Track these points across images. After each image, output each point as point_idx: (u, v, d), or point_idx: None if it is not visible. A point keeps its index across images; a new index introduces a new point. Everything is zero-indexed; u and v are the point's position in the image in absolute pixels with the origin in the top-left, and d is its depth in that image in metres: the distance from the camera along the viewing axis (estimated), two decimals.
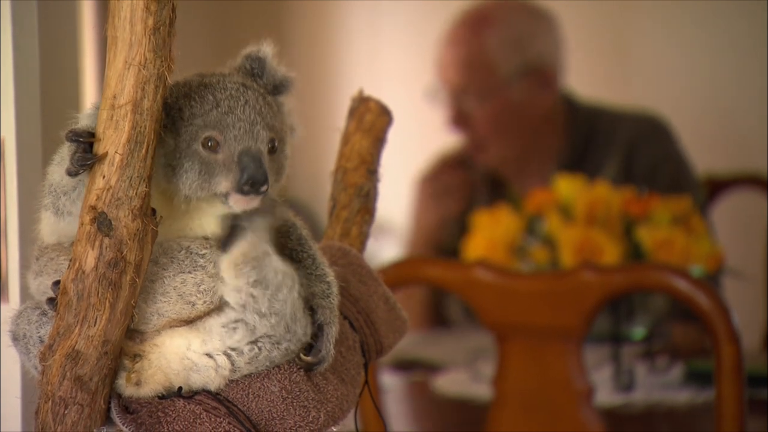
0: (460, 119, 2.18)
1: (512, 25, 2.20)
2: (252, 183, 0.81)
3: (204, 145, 0.81)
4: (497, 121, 2.19)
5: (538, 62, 2.21)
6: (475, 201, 2.30)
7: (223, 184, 0.81)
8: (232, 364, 0.82)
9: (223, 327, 0.82)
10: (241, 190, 0.81)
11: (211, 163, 0.81)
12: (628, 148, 2.19)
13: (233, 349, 0.82)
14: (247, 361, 0.82)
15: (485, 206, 2.21)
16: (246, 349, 0.82)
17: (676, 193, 1.93)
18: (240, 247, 0.82)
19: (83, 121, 0.82)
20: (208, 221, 0.83)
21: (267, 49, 0.87)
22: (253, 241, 0.82)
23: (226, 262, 0.82)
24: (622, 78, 3.05)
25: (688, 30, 3.07)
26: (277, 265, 0.83)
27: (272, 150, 0.83)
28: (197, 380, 0.82)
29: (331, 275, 0.87)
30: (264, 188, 0.81)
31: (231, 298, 0.82)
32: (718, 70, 3.06)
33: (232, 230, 0.83)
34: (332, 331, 0.86)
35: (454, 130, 2.21)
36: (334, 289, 0.87)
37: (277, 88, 0.87)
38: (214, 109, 0.82)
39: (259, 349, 0.83)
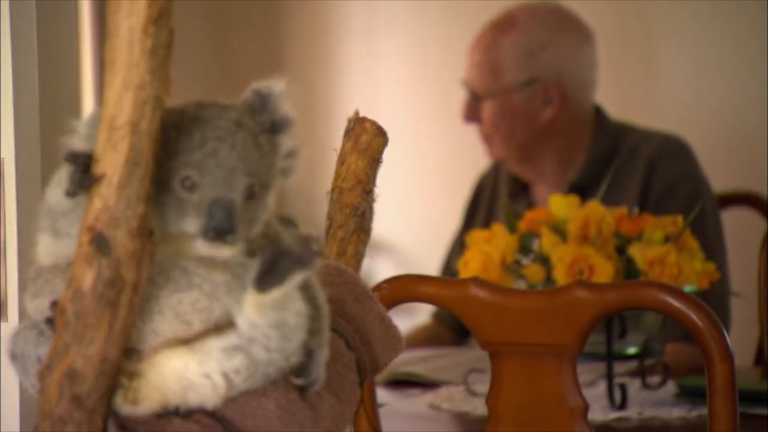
0: (471, 112, 2.24)
1: (530, 35, 2.22)
2: (216, 233, 0.81)
3: (182, 183, 0.82)
4: (497, 122, 2.23)
5: (546, 75, 2.22)
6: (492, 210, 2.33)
7: (192, 226, 0.82)
8: (230, 384, 0.83)
9: (223, 351, 0.82)
10: (206, 237, 0.81)
11: (185, 202, 0.82)
12: (649, 165, 2.21)
13: (231, 371, 0.83)
14: (243, 380, 0.83)
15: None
16: (244, 370, 0.83)
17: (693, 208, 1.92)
18: (277, 293, 0.81)
19: (81, 143, 0.83)
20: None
21: (275, 85, 0.87)
22: (291, 289, 0.82)
23: (255, 300, 0.82)
24: (640, 97, 3.06)
25: (707, 52, 3.08)
26: (299, 307, 0.83)
27: (251, 196, 0.83)
28: (194, 399, 0.83)
29: (321, 298, 0.87)
30: (229, 238, 0.81)
31: (243, 328, 0.82)
32: (719, 90, 3.07)
33: (268, 259, 0.82)
34: (322, 355, 0.87)
35: (467, 121, 2.26)
36: (324, 311, 0.87)
37: (276, 126, 0.86)
38: (199, 149, 0.82)
39: (256, 369, 0.83)
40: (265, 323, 0.82)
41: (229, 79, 3.52)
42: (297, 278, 0.82)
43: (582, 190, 2.14)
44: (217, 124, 0.83)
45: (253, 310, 0.82)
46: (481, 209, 2.38)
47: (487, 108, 2.23)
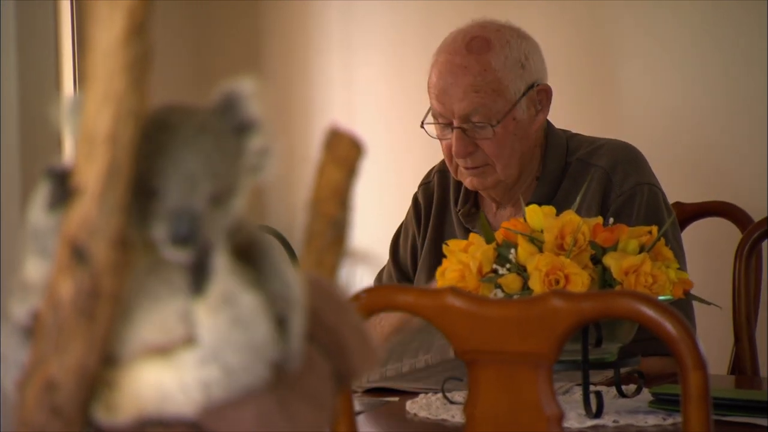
0: (468, 146, 2.19)
1: (513, 47, 2.22)
2: (178, 241, 0.81)
3: (147, 192, 0.82)
4: (503, 144, 2.20)
5: (537, 81, 2.24)
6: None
7: (158, 233, 0.82)
8: (207, 395, 0.83)
9: (198, 362, 0.83)
10: (168, 245, 0.82)
11: (152, 210, 0.82)
12: (605, 177, 2.21)
13: (207, 382, 0.83)
14: (222, 389, 0.83)
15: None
16: (220, 380, 0.83)
17: (653, 220, 1.94)
18: (215, 290, 0.82)
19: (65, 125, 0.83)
20: None
21: (243, 85, 0.87)
22: (226, 281, 0.82)
23: (200, 307, 0.82)
24: (590, 106, 3.08)
25: (663, 60, 3.10)
26: (247, 297, 0.83)
27: (218, 200, 0.83)
28: (171, 409, 0.83)
29: (290, 273, 0.87)
30: (192, 246, 0.81)
31: (206, 338, 0.83)
32: (688, 100, 3.10)
33: (195, 264, 0.82)
34: (297, 324, 0.86)
35: (463, 157, 2.20)
36: (291, 279, 0.87)
37: (244, 127, 0.86)
38: (163, 156, 0.82)
39: (232, 376, 0.83)
40: (221, 325, 0.82)
41: (206, 88, 3.53)
42: (217, 263, 0.82)
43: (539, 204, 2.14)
44: (182, 130, 0.83)
45: (204, 317, 0.82)
46: (431, 214, 2.37)
47: (489, 133, 2.19)
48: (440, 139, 2.25)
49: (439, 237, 2.27)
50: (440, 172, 2.38)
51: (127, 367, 0.83)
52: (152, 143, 0.82)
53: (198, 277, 0.82)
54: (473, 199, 2.30)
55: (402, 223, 2.42)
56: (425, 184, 2.40)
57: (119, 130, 0.80)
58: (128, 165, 0.81)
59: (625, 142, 2.28)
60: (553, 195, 2.20)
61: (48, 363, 0.81)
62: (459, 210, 2.29)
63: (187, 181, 0.82)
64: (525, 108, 2.21)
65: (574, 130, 2.32)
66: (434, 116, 2.24)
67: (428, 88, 2.26)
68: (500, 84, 2.19)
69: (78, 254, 0.81)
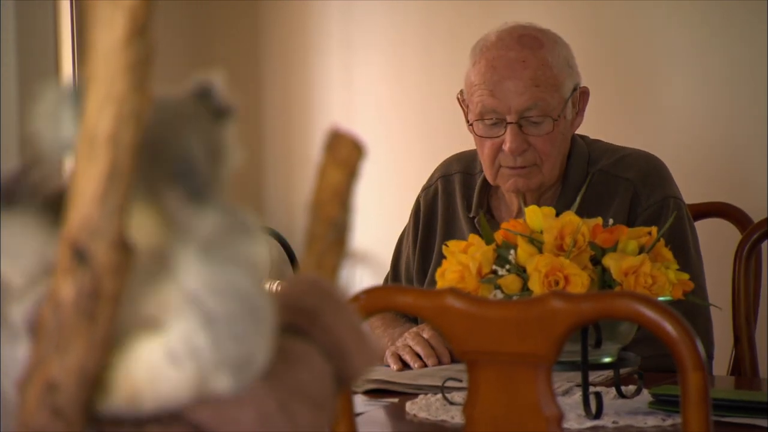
0: (522, 142, 2.15)
1: (560, 45, 2.21)
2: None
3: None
4: (555, 142, 2.17)
5: (579, 83, 2.23)
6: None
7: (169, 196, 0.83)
8: (197, 362, 0.82)
9: (184, 329, 0.82)
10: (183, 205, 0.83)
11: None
12: (632, 191, 2.18)
13: (198, 353, 0.82)
14: (212, 357, 0.82)
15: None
16: (210, 343, 0.82)
17: (678, 233, 1.92)
18: (207, 229, 0.83)
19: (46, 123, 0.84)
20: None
21: (214, 77, 0.87)
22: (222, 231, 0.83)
23: (191, 250, 0.83)
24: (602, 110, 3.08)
25: (662, 61, 3.11)
26: (245, 253, 0.84)
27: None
28: (165, 390, 0.82)
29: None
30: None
31: (191, 284, 0.82)
32: (688, 101, 3.10)
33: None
34: None
35: (519, 154, 2.16)
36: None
37: (219, 115, 0.87)
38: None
39: (221, 332, 0.82)
40: (209, 271, 0.82)
41: None
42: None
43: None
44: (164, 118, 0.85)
45: (192, 261, 0.82)
46: (437, 220, 2.34)
47: (546, 128, 2.16)
48: (485, 139, 2.19)
49: None
50: (444, 177, 2.34)
51: (119, 350, 0.83)
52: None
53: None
54: (487, 205, 2.28)
55: (404, 229, 2.40)
56: (427, 188, 2.37)
57: (120, 132, 0.80)
58: (129, 166, 0.81)
59: (649, 153, 2.27)
60: (573, 203, 2.18)
61: (49, 364, 0.81)
62: (474, 216, 2.26)
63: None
64: (570, 108, 2.20)
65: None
66: (481, 114, 2.19)
67: (470, 86, 2.20)
68: (557, 80, 2.17)
69: (79, 255, 0.81)
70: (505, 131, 2.15)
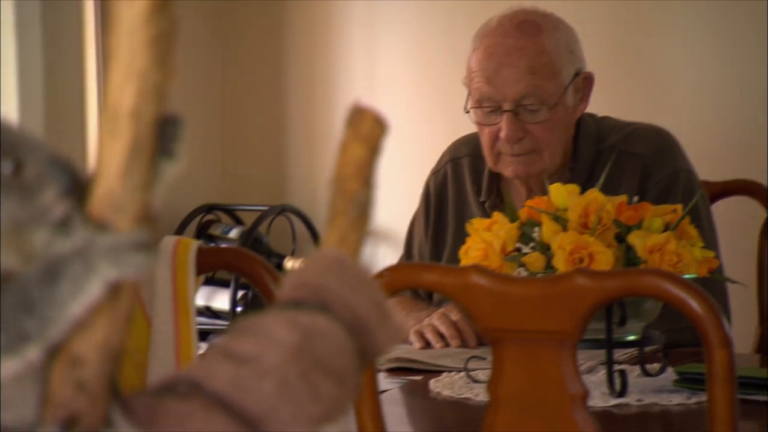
0: (519, 130, 2.13)
1: (561, 31, 2.17)
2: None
3: (8, 170, 0.81)
4: (554, 129, 2.15)
5: (581, 68, 2.20)
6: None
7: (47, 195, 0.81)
8: None
9: None
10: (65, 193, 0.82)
11: (23, 182, 0.81)
12: (642, 166, 2.17)
13: None
14: None
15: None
16: None
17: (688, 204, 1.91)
18: None
19: None
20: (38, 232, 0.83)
21: None
22: None
23: None
24: (618, 86, 3.06)
25: (690, 37, 3.08)
26: None
27: None
28: None
29: None
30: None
31: None
32: (714, 80, 3.07)
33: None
34: None
35: (515, 142, 2.15)
36: None
37: None
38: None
39: None
40: None
41: (230, 68, 3.53)
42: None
43: None
44: None
45: None
46: (448, 204, 2.32)
47: (542, 117, 2.14)
48: (483, 126, 2.18)
49: (463, 230, 2.19)
50: (453, 161, 2.31)
51: None
52: None
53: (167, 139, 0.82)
54: (497, 190, 2.26)
55: (415, 213, 2.39)
56: (436, 172, 2.34)
57: (143, 106, 0.80)
58: (152, 141, 0.81)
59: (658, 127, 2.25)
60: (586, 184, 2.16)
61: (73, 339, 0.81)
62: (484, 201, 2.24)
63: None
64: (572, 95, 2.17)
65: (596, 111, 2.30)
66: (479, 101, 2.17)
67: (469, 72, 2.18)
68: (554, 67, 2.14)
69: (103, 229, 0.81)
70: (502, 118, 2.14)
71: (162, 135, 0.83)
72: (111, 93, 0.81)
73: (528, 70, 2.12)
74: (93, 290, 0.80)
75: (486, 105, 2.16)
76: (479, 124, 2.19)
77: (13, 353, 0.79)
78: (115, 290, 0.81)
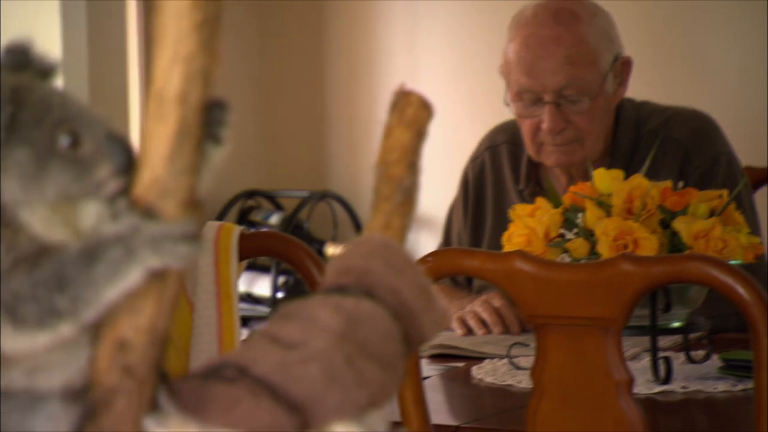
0: (561, 121, 2.11)
1: (598, 17, 2.15)
2: (127, 161, 0.81)
3: (64, 145, 0.81)
4: (595, 117, 2.13)
5: (619, 53, 2.18)
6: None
7: (102, 173, 0.81)
8: None
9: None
10: (119, 172, 0.81)
11: (77, 160, 0.81)
12: (683, 150, 2.15)
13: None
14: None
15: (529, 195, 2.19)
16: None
17: (732, 190, 1.89)
18: None
19: None
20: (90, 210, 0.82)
21: (25, 39, 0.84)
22: None
23: None
24: (658, 70, 3.04)
25: (737, 20, 3.06)
26: None
27: None
28: None
29: None
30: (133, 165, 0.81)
31: None
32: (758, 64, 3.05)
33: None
34: None
35: (557, 133, 2.13)
36: None
37: (47, 75, 0.84)
38: (51, 108, 0.81)
39: None
40: None
41: (271, 54, 3.53)
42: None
43: None
44: (33, 85, 0.82)
45: None
46: (486, 192, 2.31)
47: (584, 107, 2.12)
48: (523, 118, 2.16)
49: (502, 217, 2.18)
50: (491, 149, 2.30)
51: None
52: (24, 107, 0.81)
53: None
54: (536, 177, 2.24)
55: (453, 201, 2.38)
56: (474, 160, 2.33)
57: (189, 90, 0.80)
58: (198, 125, 0.81)
59: (698, 110, 2.23)
60: (627, 169, 2.14)
61: (119, 323, 0.82)
62: (523, 189, 2.23)
63: (88, 115, 0.81)
64: (611, 81, 2.16)
65: (638, 96, 2.28)
66: (518, 94, 2.15)
67: (507, 64, 2.16)
68: (593, 55, 2.11)
69: (149, 215, 0.81)
70: (544, 110, 2.12)
71: (208, 120, 0.83)
72: (158, 77, 0.81)
73: (566, 61, 2.10)
74: (132, 277, 0.80)
75: (525, 97, 2.14)
76: (519, 116, 2.17)
77: (44, 327, 0.79)
78: (161, 275, 0.81)
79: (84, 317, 0.80)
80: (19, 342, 0.79)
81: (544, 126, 2.12)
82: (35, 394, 0.81)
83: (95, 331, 0.82)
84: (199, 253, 0.81)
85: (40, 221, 0.81)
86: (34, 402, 0.81)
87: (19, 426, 0.81)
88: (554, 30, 2.11)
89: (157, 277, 0.81)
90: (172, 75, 0.80)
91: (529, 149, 2.18)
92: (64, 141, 0.81)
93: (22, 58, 0.85)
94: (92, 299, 0.79)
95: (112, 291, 0.80)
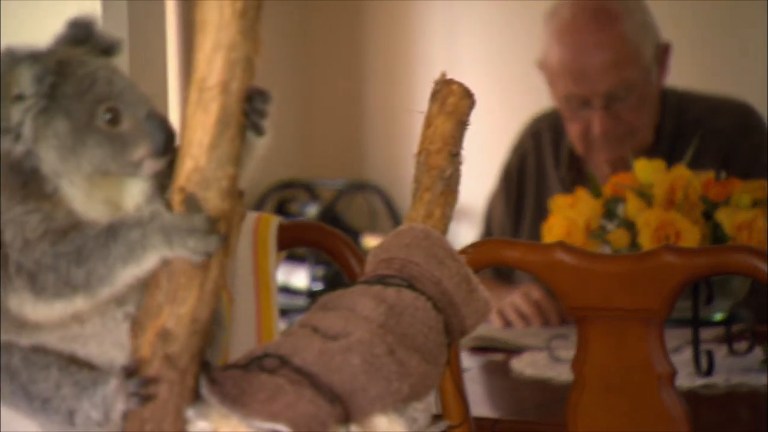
0: (612, 121, 2.10)
1: (635, 10, 2.13)
2: (167, 142, 0.82)
3: (105, 120, 0.82)
4: (644, 111, 2.12)
5: (658, 40, 2.17)
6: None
7: (139, 152, 0.82)
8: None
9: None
10: (158, 152, 0.82)
11: (118, 136, 0.82)
12: (726, 139, 2.13)
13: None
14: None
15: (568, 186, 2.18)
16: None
17: None
18: None
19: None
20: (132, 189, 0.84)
21: (89, 15, 0.86)
22: None
23: None
24: (700, 58, 3.01)
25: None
26: None
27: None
28: None
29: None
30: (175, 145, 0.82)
31: None
32: None
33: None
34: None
35: (609, 133, 2.11)
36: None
37: (108, 51, 0.86)
38: (96, 84, 0.82)
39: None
40: None
41: (309, 43, 3.53)
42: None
43: None
44: (85, 60, 0.83)
45: None
46: (528, 180, 2.30)
47: (632, 104, 2.10)
48: (571, 120, 2.15)
49: (543, 205, 2.16)
50: (533, 135, 2.29)
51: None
52: (70, 80, 0.82)
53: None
54: (577, 165, 2.23)
55: (495, 189, 2.37)
56: (516, 148, 2.32)
57: (231, 78, 0.80)
58: (240, 115, 0.80)
59: (740, 100, 2.21)
60: (669, 159, 2.12)
61: (162, 313, 0.81)
62: (565, 177, 2.22)
63: (134, 92, 0.83)
64: (654, 70, 2.15)
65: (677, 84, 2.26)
66: (566, 99, 2.13)
67: (550, 65, 2.15)
68: (636, 52, 2.10)
69: (190, 205, 0.80)
70: (592, 112, 2.10)
71: (249, 109, 0.82)
72: (199, 65, 0.81)
73: (612, 64, 2.09)
74: (146, 262, 0.80)
75: (574, 101, 2.13)
76: (568, 119, 2.16)
77: (60, 297, 0.81)
78: (203, 266, 0.81)
79: (97, 293, 0.81)
80: (39, 309, 0.81)
81: (596, 129, 2.11)
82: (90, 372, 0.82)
83: (132, 307, 0.83)
84: (214, 247, 0.80)
85: (80, 196, 0.82)
86: (94, 380, 0.82)
87: (75, 405, 0.82)
88: (596, 35, 2.10)
89: (199, 267, 0.81)
90: (214, 63, 0.80)
91: (578, 147, 2.17)
92: (103, 117, 0.82)
93: (82, 32, 0.86)
94: (106, 276, 0.80)
95: (126, 272, 0.80)
